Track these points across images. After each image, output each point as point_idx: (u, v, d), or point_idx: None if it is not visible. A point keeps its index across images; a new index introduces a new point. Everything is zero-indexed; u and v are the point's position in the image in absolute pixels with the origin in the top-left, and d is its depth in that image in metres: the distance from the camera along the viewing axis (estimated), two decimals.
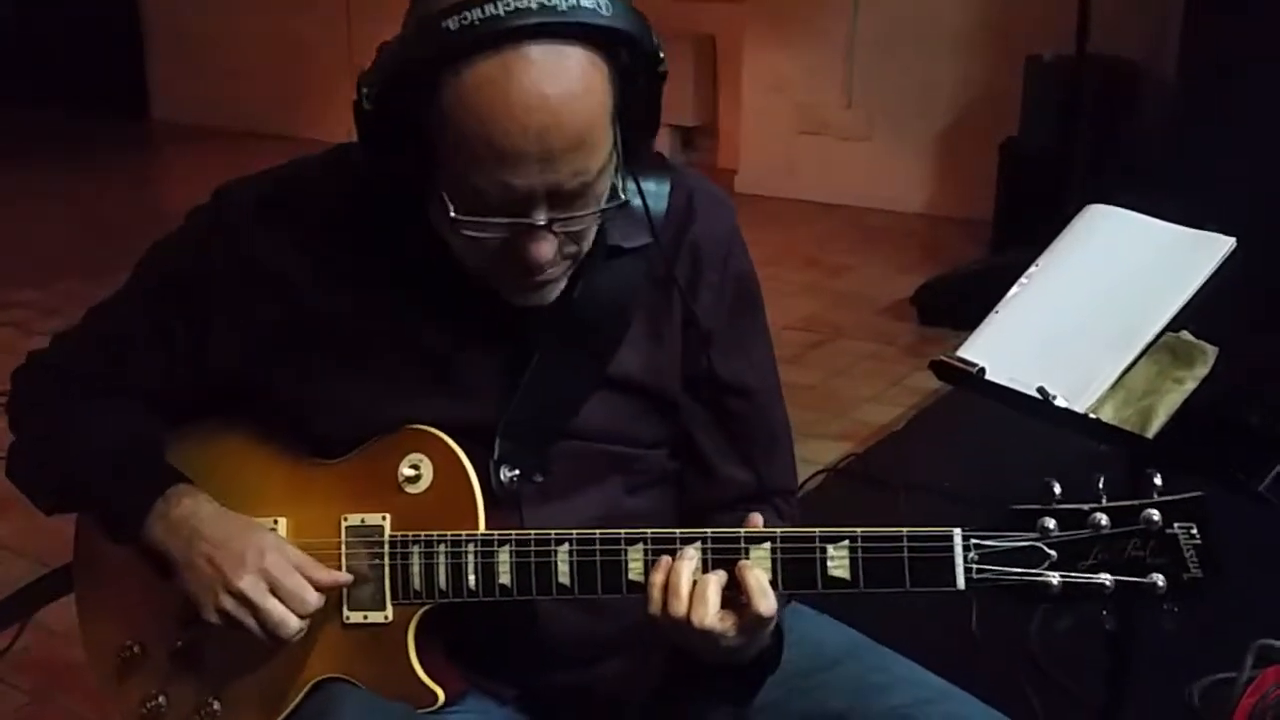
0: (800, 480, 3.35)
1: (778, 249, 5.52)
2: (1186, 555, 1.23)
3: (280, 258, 1.42)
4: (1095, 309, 1.73)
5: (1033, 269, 1.81)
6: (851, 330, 4.71)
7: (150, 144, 8.04)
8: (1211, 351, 1.63)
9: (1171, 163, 4.18)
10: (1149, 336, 1.66)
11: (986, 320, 1.79)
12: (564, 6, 1.20)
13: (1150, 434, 1.59)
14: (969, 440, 3.51)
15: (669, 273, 1.46)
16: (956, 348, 1.80)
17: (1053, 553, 1.25)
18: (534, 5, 1.19)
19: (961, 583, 1.27)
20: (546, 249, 1.29)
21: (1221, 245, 1.70)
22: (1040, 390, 1.66)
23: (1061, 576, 1.25)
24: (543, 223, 1.27)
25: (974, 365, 1.73)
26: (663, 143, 6.78)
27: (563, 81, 1.21)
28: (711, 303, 1.49)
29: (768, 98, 6.34)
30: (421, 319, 1.43)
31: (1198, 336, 1.68)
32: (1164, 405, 1.60)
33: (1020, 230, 4.59)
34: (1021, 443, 3.05)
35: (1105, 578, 1.24)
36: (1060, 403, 1.65)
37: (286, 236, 1.43)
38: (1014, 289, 1.81)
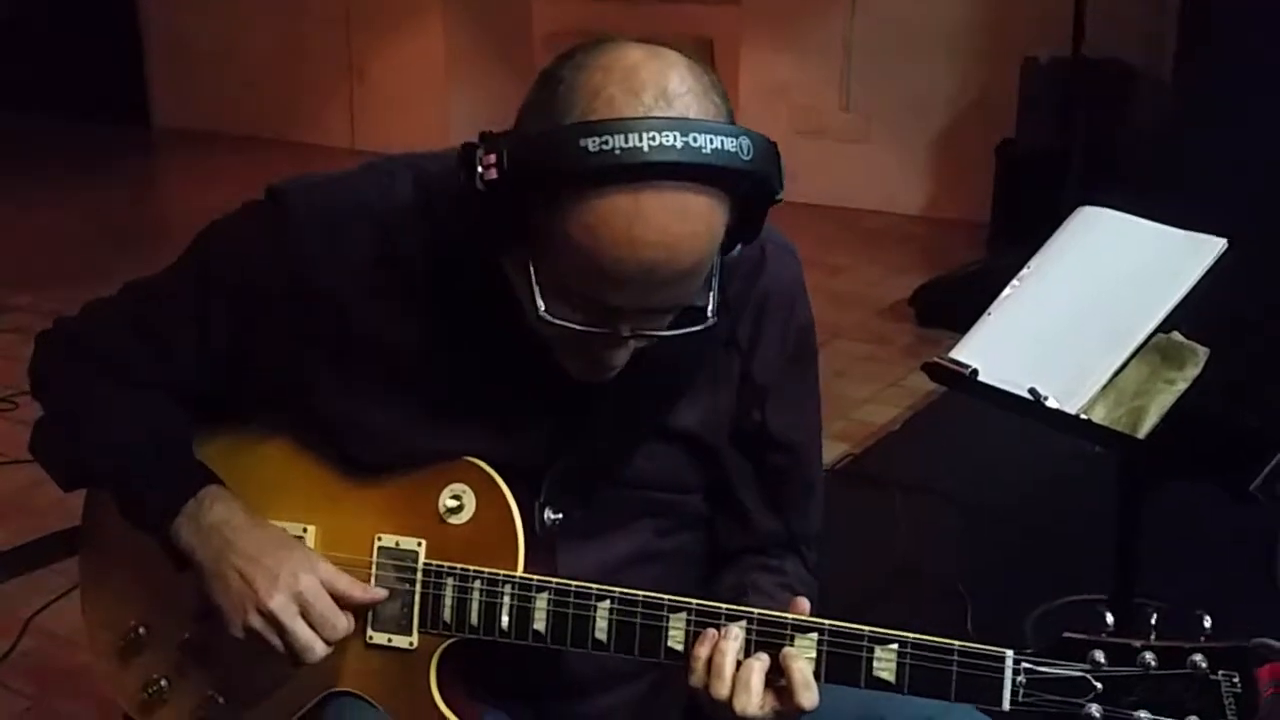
0: None
1: None
2: (1226, 703, 1.22)
3: (337, 274, 1.39)
4: (1087, 310, 1.74)
5: (1025, 271, 1.82)
6: (850, 331, 4.71)
7: (151, 150, 8.02)
8: (1202, 352, 1.64)
9: (1167, 164, 4.19)
10: (1140, 338, 1.67)
11: (979, 322, 1.80)
12: (708, 149, 1.16)
13: (1141, 434, 1.60)
14: (966, 441, 3.52)
15: (732, 331, 1.44)
16: (951, 349, 1.81)
17: (1099, 685, 1.24)
18: (678, 144, 1.15)
19: (1007, 705, 1.26)
20: (623, 355, 1.29)
21: (1212, 247, 1.71)
22: (1032, 391, 1.67)
23: (1103, 710, 1.24)
24: (627, 334, 1.26)
25: (966, 367, 1.74)
26: None
27: (688, 222, 1.19)
28: (770, 356, 1.47)
29: (765, 100, 6.34)
30: (479, 359, 1.40)
31: (1190, 337, 1.69)
32: (1155, 406, 1.61)
33: (1017, 232, 4.59)
34: (1018, 443, 3.06)
35: (1144, 716, 1.23)
36: (1052, 404, 1.66)
37: (346, 254, 1.39)
38: (1006, 290, 1.82)
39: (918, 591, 2.83)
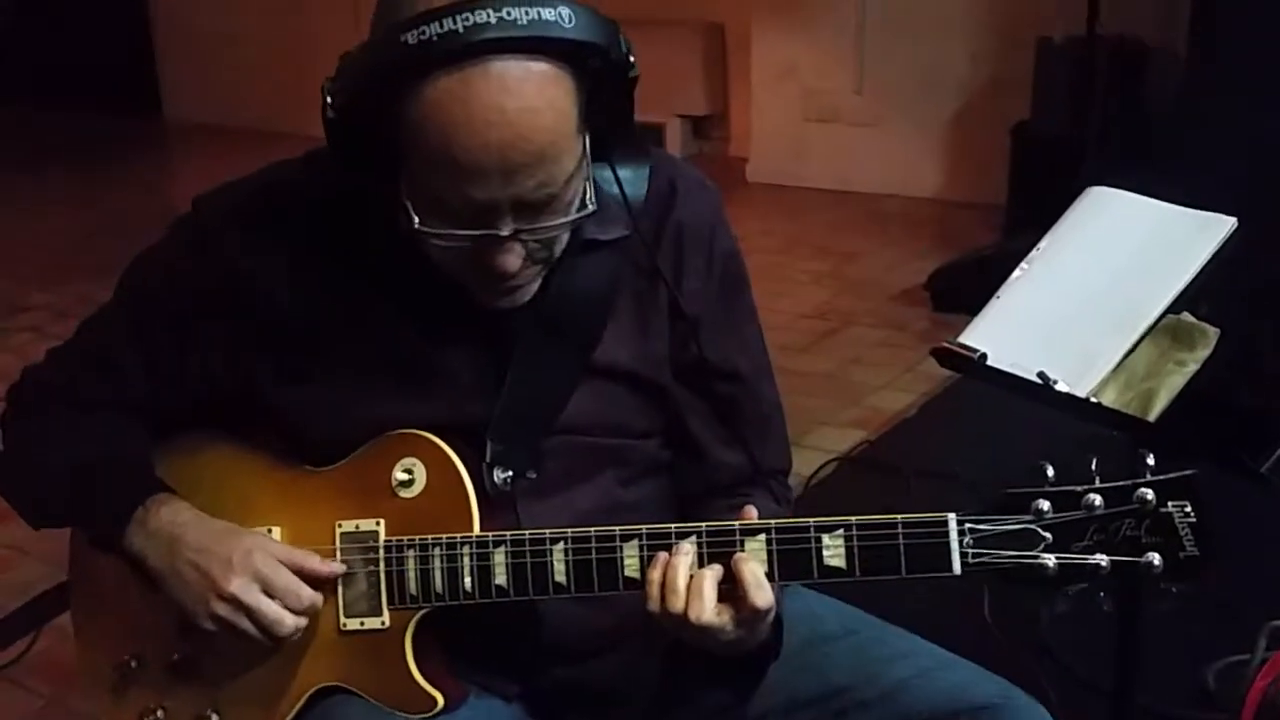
0: (813, 468, 3.38)
1: (789, 237, 5.51)
2: (1182, 534, 1.23)
3: (261, 267, 1.42)
4: (1096, 292, 1.72)
5: (1034, 253, 1.80)
6: (864, 317, 4.70)
7: (162, 143, 8.05)
8: (1213, 333, 1.62)
9: (1182, 143, 4.15)
10: (1150, 319, 1.65)
11: (988, 305, 1.78)
12: (524, 20, 1.19)
13: (1152, 417, 1.58)
14: (982, 426, 3.49)
15: (652, 262, 1.45)
16: (960, 334, 1.79)
17: (1048, 535, 1.25)
18: (492, 20, 1.18)
19: (957, 568, 1.27)
20: (513, 260, 1.30)
21: (1222, 225, 1.68)
22: (1041, 375, 1.65)
23: (1057, 558, 1.25)
24: (507, 233, 1.27)
25: (975, 351, 1.72)
26: (674, 132, 6.78)
27: (523, 96, 1.21)
28: (698, 287, 1.49)
29: (777, 85, 6.32)
30: (401, 321, 1.42)
31: (1204, 318, 1.67)
32: (1165, 388, 1.59)
33: (1033, 214, 4.51)
34: (1033, 428, 3.03)
35: (1101, 558, 1.24)
36: (1061, 387, 1.64)
37: (266, 245, 1.43)
38: (1015, 273, 1.80)
39: (934, 579, 2.82)
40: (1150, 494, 1.23)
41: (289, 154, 1.52)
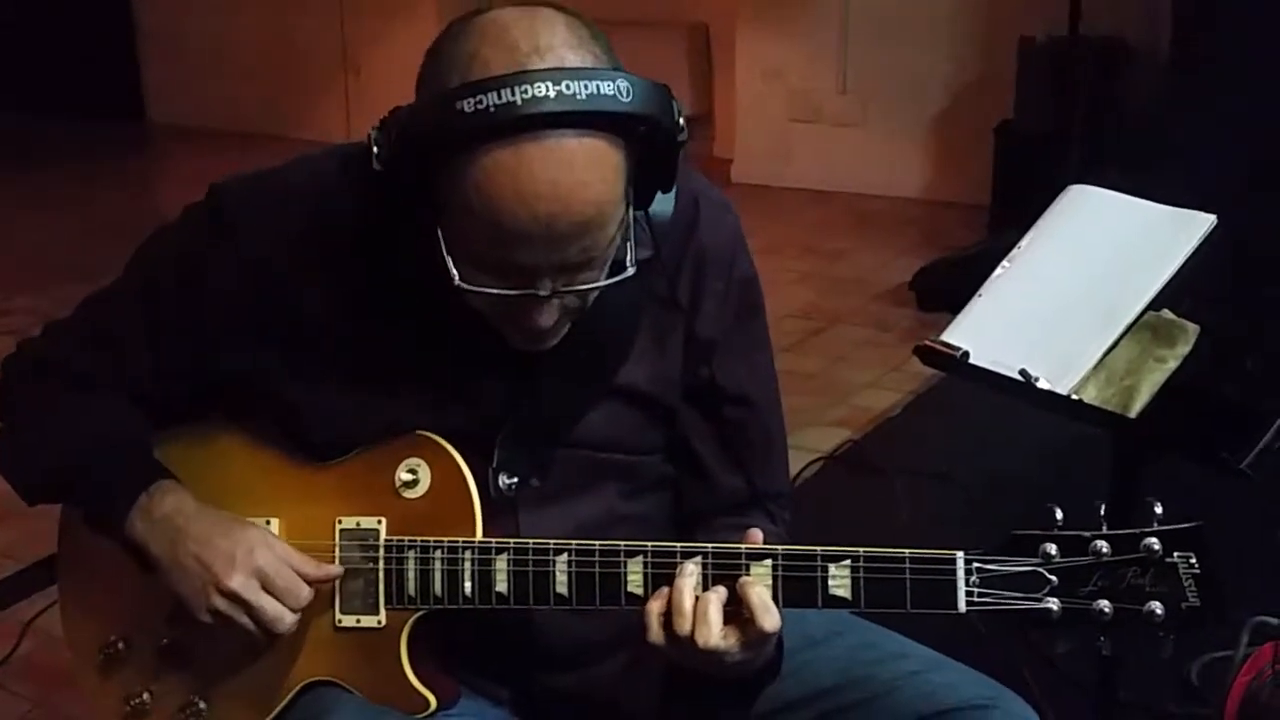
0: (798, 468, 3.38)
1: (775, 237, 5.51)
2: (1185, 584, 1.23)
3: (279, 262, 1.41)
4: (1077, 290, 1.73)
5: (1015, 251, 1.81)
6: (849, 317, 4.70)
7: (147, 147, 8.01)
8: (1193, 330, 1.63)
9: (1165, 142, 4.17)
10: (1131, 316, 1.67)
11: (970, 304, 1.79)
12: (583, 95, 1.17)
13: (1133, 414, 1.59)
14: (968, 424, 3.51)
15: (672, 291, 1.44)
16: (942, 332, 1.80)
17: (1053, 578, 1.25)
18: (551, 94, 1.16)
19: (963, 606, 1.27)
20: (547, 317, 1.30)
21: (1201, 223, 1.70)
22: (1023, 373, 1.66)
23: (1061, 602, 1.25)
24: (545, 294, 1.26)
25: (958, 349, 1.73)
26: None
27: (576, 170, 1.20)
28: (714, 311, 1.48)
29: (762, 85, 6.33)
30: (424, 335, 1.41)
31: (1186, 315, 1.68)
32: (1146, 384, 1.60)
33: (1017, 213, 4.53)
34: (1019, 427, 3.06)
35: (1104, 604, 1.25)
36: (1043, 385, 1.65)
37: (287, 241, 1.41)
38: (997, 271, 1.81)
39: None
40: (1157, 544, 1.24)
41: (274, 157, 1.51)
